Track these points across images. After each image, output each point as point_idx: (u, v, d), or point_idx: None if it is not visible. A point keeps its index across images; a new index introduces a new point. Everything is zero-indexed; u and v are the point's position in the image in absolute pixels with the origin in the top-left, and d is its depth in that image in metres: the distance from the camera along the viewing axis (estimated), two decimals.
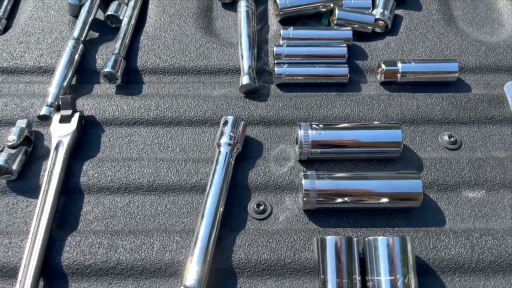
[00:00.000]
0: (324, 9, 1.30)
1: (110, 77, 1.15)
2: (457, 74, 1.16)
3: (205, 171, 1.01)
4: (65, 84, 1.12)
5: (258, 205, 0.98)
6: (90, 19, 1.24)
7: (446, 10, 1.35)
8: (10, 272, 0.89)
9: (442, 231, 0.94)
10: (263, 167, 1.03)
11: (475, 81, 1.20)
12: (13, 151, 0.99)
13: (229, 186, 0.97)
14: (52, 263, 0.89)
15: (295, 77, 1.16)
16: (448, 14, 1.34)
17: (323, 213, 0.97)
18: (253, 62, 1.16)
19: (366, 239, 0.86)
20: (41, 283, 0.88)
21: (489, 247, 0.91)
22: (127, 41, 1.21)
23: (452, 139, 1.08)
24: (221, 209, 0.93)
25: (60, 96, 1.08)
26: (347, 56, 1.18)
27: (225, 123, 1.03)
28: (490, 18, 1.35)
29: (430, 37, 1.27)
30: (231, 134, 1.01)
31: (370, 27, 1.26)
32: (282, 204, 0.99)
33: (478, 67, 1.22)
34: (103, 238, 0.92)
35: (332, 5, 1.28)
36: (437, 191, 1.01)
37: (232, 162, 1.00)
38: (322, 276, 0.82)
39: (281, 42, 1.22)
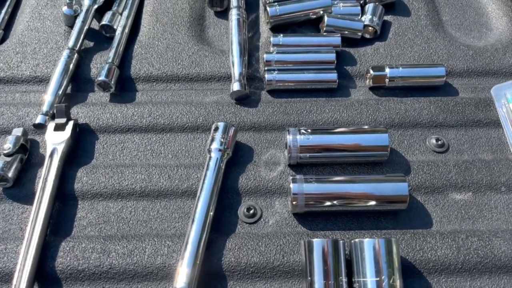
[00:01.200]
0: (314, 16, 1.32)
1: (104, 86, 1.17)
2: (444, 79, 1.18)
3: (196, 176, 1.04)
4: (60, 92, 1.15)
5: (248, 209, 0.99)
6: (84, 29, 1.27)
7: (435, 15, 1.37)
8: (5, 277, 0.91)
9: (428, 233, 0.96)
10: (253, 172, 1.05)
11: (462, 85, 1.22)
12: (8, 159, 1.02)
13: (219, 191, 0.99)
14: (46, 268, 0.91)
15: (285, 83, 1.18)
16: (436, 19, 1.36)
17: (312, 217, 0.99)
18: (244, 69, 1.19)
19: (352, 241, 0.87)
20: None
21: (475, 248, 0.93)
22: (121, 50, 1.24)
23: (439, 142, 1.10)
24: (212, 213, 0.95)
25: (55, 105, 1.10)
26: (336, 62, 1.21)
27: (216, 129, 1.05)
28: (479, 22, 1.37)
29: (419, 42, 1.29)
30: (222, 140, 1.03)
31: (359, 33, 1.29)
32: (272, 208, 1.00)
33: (465, 71, 1.24)
34: (96, 243, 0.94)
35: (321, 12, 1.31)
36: (425, 193, 1.02)
37: (223, 167, 1.02)
38: (309, 278, 0.84)
39: (271, 49, 1.24)
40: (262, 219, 0.99)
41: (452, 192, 1.02)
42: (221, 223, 0.98)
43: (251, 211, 0.99)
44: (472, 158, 1.07)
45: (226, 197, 1.01)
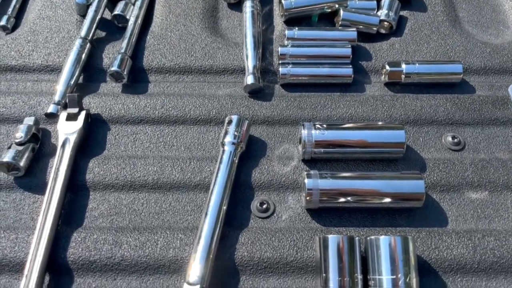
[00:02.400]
0: (329, 10, 1.30)
1: (116, 76, 1.16)
2: (461, 76, 1.17)
3: (209, 169, 1.02)
4: (72, 82, 1.14)
5: (261, 204, 0.98)
6: (97, 19, 1.25)
7: (451, 11, 1.35)
8: (17, 267, 0.90)
9: (444, 231, 0.95)
10: (266, 166, 1.04)
11: (479, 82, 1.20)
12: (20, 148, 1.01)
13: (232, 185, 0.98)
14: (58, 258, 0.91)
15: (300, 77, 1.17)
16: (453, 16, 1.34)
17: (326, 213, 0.98)
18: (258, 62, 1.17)
19: (368, 238, 0.86)
20: (47, 278, 0.89)
21: (491, 247, 0.92)
22: (133, 40, 1.23)
23: (455, 140, 1.08)
24: (225, 207, 0.94)
25: (67, 94, 1.09)
26: (351, 56, 1.19)
27: (229, 122, 1.03)
28: (495, 19, 1.35)
29: (435, 38, 1.27)
30: (235, 133, 1.02)
31: (374, 28, 1.27)
32: (285, 203, 0.99)
33: (482, 68, 1.23)
34: (108, 234, 0.93)
35: (337, 6, 1.29)
36: (440, 191, 1.01)
37: (236, 161, 1.01)
38: (324, 275, 0.83)
39: (286, 42, 1.22)
40: (275, 214, 0.98)
41: (468, 191, 1.01)
42: (234, 217, 0.97)
43: (264, 206, 0.98)
44: (488, 156, 1.06)
45: (239, 191, 1.00)
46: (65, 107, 1.09)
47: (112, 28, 1.30)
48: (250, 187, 1.01)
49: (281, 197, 1.00)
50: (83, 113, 1.07)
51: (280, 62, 1.18)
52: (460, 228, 0.96)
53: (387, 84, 1.19)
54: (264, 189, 1.01)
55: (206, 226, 0.91)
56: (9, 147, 1.01)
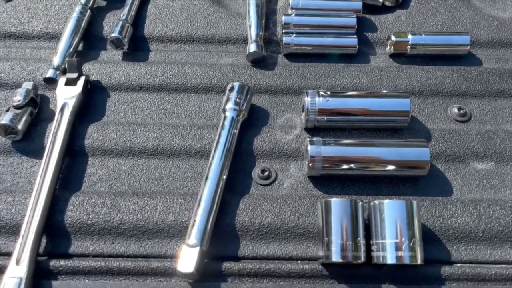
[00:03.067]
0: None
1: (117, 43, 1.14)
2: (468, 47, 1.14)
3: (210, 137, 1.01)
4: (71, 49, 1.12)
5: (263, 171, 0.97)
6: None
7: None
8: (13, 229, 0.89)
9: (449, 200, 0.93)
10: (268, 135, 1.02)
11: (486, 55, 1.18)
12: (18, 111, 0.99)
13: (234, 153, 0.96)
14: (55, 221, 0.89)
15: (303, 47, 1.14)
16: None
17: (328, 180, 0.96)
18: (261, 31, 1.15)
19: (371, 203, 0.85)
20: (44, 240, 0.88)
21: (496, 216, 0.90)
22: (134, 8, 1.21)
23: (461, 111, 1.06)
24: (225, 173, 0.92)
25: (67, 59, 1.07)
26: (356, 27, 1.17)
27: (231, 89, 1.01)
28: None
29: (442, 11, 1.25)
30: (237, 100, 1.00)
31: (380, 0, 1.24)
32: (287, 171, 0.98)
33: (490, 41, 1.20)
34: (107, 198, 0.92)
35: None
36: (445, 161, 0.99)
37: (238, 128, 0.99)
38: (326, 238, 0.81)
39: (290, 12, 1.20)
40: (277, 181, 0.96)
41: (474, 161, 0.99)
42: (235, 184, 0.95)
43: (266, 173, 0.96)
44: (495, 128, 1.04)
45: (241, 159, 0.98)
46: (64, 72, 1.07)
47: None
48: (251, 155, 0.99)
49: (283, 165, 0.98)
50: (82, 78, 1.05)
51: (284, 31, 1.16)
52: (465, 197, 0.94)
53: (392, 56, 1.17)
54: (266, 157, 0.99)
55: (206, 191, 0.89)
56: (7, 110, 0.99)
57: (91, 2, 1.20)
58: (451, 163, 0.99)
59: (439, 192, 0.95)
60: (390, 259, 0.79)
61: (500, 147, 1.00)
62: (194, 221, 0.85)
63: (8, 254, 0.85)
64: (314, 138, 0.95)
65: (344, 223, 0.81)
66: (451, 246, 0.88)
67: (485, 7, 1.29)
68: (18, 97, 1.00)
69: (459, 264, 0.86)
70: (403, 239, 0.80)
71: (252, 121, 1.04)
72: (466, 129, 1.03)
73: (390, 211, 0.82)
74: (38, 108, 1.05)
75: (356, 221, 0.82)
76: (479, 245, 0.88)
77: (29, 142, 1.00)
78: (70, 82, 1.04)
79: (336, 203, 0.83)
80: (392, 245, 0.80)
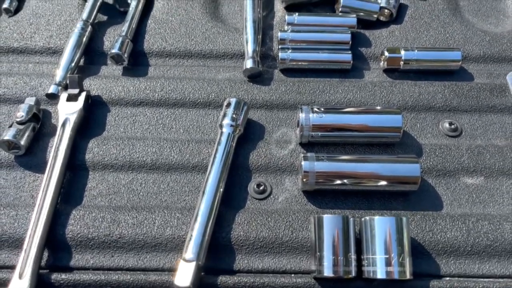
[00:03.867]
0: None
1: (117, 59, 1.17)
2: (460, 63, 1.17)
3: (207, 151, 1.03)
4: (73, 64, 1.15)
5: (258, 185, 0.99)
6: (99, 2, 1.26)
7: (452, 0, 1.35)
8: (16, 243, 0.92)
9: (439, 215, 0.95)
10: (264, 149, 1.05)
11: (478, 70, 1.21)
12: (21, 127, 1.02)
13: (230, 167, 0.99)
14: (56, 235, 0.92)
15: (299, 63, 1.17)
16: (453, 4, 1.34)
17: (322, 195, 0.99)
18: (257, 47, 1.18)
19: (363, 219, 0.87)
20: (46, 254, 0.91)
21: (485, 231, 0.93)
22: (134, 24, 1.24)
23: (452, 126, 1.09)
24: (222, 188, 0.95)
25: (68, 75, 1.10)
26: (351, 43, 1.19)
27: (228, 105, 1.04)
28: (496, 8, 1.35)
29: (435, 26, 1.28)
30: (234, 115, 1.02)
31: (375, 15, 1.27)
32: (281, 185, 1.00)
33: (481, 56, 1.23)
34: (106, 212, 0.94)
35: None
36: (436, 176, 1.02)
37: (234, 143, 1.01)
38: (318, 253, 0.84)
39: (286, 28, 1.23)
40: (271, 196, 0.99)
41: (464, 176, 1.02)
42: (231, 198, 0.98)
43: (261, 187, 0.99)
44: (485, 143, 1.07)
45: (237, 173, 1.01)
46: (65, 88, 1.10)
47: (113, 12, 1.31)
48: (247, 169, 1.02)
49: (278, 179, 1.01)
50: (83, 94, 1.08)
51: (280, 47, 1.19)
52: (455, 212, 0.97)
53: (385, 71, 1.19)
54: (261, 171, 1.02)
55: (203, 206, 0.92)
56: (10, 126, 1.02)
57: (92, 18, 1.23)
58: (441, 177, 1.02)
59: (430, 206, 0.98)
60: (380, 274, 0.82)
61: (490, 162, 1.03)
62: (191, 235, 0.88)
63: (11, 268, 0.88)
64: (308, 154, 0.97)
65: (336, 238, 0.84)
66: (440, 260, 0.91)
67: (477, 22, 1.32)
68: (21, 112, 1.03)
69: (447, 278, 0.89)
70: (392, 255, 0.82)
71: (249, 135, 1.07)
72: (457, 144, 1.06)
73: (380, 227, 0.84)
74: (40, 123, 1.07)
75: (348, 237, 0.85)
76: (467, 259, 0.91)
77: (31, 157, 1.03)
78: (72, 98, 1.07)
79: (328, 219, 0.85)
80: (382, 260, 0.82)
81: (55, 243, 0.92)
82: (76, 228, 0.93)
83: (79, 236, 0.92)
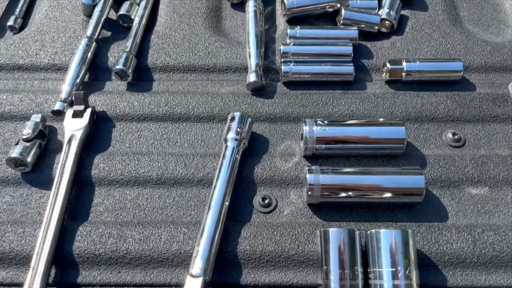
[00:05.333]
0: (331, 9, 1.32)
1: (121, 74, 1.18)
2: (461, 73, 1.18)
3: (212, 165, 1.04)
4: (78, 81, 1.16)
5: (264, 199, 1.00)
6: (102, 19, 1.28)
7: (452, 10, 1.36)
8: (23, 260, 0.92)
9: (444, 226, 0.96)
10: (268, 162, 1.05)
11: (480, 80, 1.21)
12: (27, 144, 1.03)
13: (235, 181, 1.00)
14: (63, 251, 0.92)
15: (302, 75, 1.18)
16: (454, 15, 1.35)
17: (327, 208, 0.99)
18: (260, 61, 1.19)
19: (368, 232, 0.88)
20: (53, 271, 0.91)
21: (491, 242, 0.93)
22: (138, 39, 1.25)
23: (456, 136, 1.09)
24: (227, 202, 0.96)
25: (73, 92, 1.11)
26: (352, 55, 1.20)
27: (232, 119, 1.05)
28: (496, 18, 1.36)
29: (436, 37, 1.29)
30: (238, 129, 1.03)
31: (376, 27, 1.28)
32: (287, 198, 1.01)
33: (483, 66, 1.24)
34: (113, 228, 0.95)
35: (338, 5, 1.31)
36: (440, 187, 1.02)
37: (239, 157, 1.02)
38: (325, 267, 0.84)
39: (288, 41, 1.24)
40: (277, 209, 0.99)
41: (469, 187, 1.02)
42: (236, 212, 0.98)
43: (266, 201, 1.00)
44: (489, 153, 1.07)
45: (242, 187, 1.02)
46: (71, 104, 1.11)
47: (117, 28, 1.33)
48: (252, 182, 1.03)
49: (283, 192, 1.02)
50: (88, 110, 1.09)
51: (282, 60, 1.20)
52: (460, 223, 0.97)
53: (388, 82, 1.20)
54: (266, 184, 1.03)
55: (209, 220, 0.92)
56: (17, 143, 1.03)
57: (96, 34, 1.24)
58: (446, 188, 1.02)
59: (435, 217, 0.98)
60: (387, 287, 0.82)
61: (494, 172, 1.03)
62: (198, 250, 0.89)
63: (19, 285, 0.89)
64: (313, 167, 0.98)
65: (342, 252, 0.84)
66: (447, 271, 0.91)
67: (478, 32, 1.33)
68: (27, 130, 1.04)
69: None
70: (399, 268, 0.82)
71: (253, 148, 1.08)
72: (461, 155, 1.06)
73: (386, 240, 0.85)
74: (46, 140, 1.08)
75: (354, 250, 0.85)
76: (474, 270, 0.91)
77: (38, 174, 1.04)
78: (77, 114, 1.08)
79: (334, 232, 0.86)
80: (388, 273, 0.83)
81: (63, 260, 0.92)
82: (83, 244, 0.93)
83: (86, 252, 0.92)
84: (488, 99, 1.15)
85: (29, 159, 1.02)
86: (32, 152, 1.03)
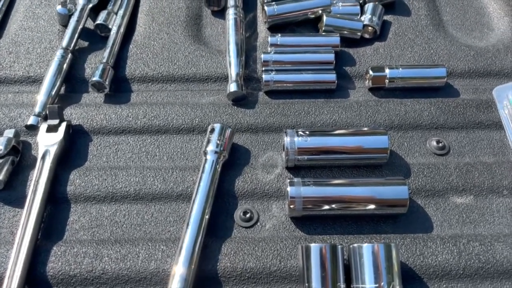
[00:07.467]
0: (313, 16, 1.30)
1: (98, 86, 1.15)
2: (445, 80, 1.16)
3: (191, 179, 1.01)
4: (53, 93, 1.12)
5: (245, 213, 0.97)
6: (79, 29, 1.25)
7: (435, 15, 1.35)
8: None
9: (429, 237, 0.94)
10: (250, 175, 1.03)
11: (463, 86, 1.20)
12: (0, 161, 0.99)
13: (215, 194, 0.97)
14: (37, 273, 0.89)
15: (283, 84, 1.16)
16: (437, 19, 1.34)
17: (310, 221, 0.96)
18: (240, 70, 1.16)
19: (351, 246, 0.85)
20: None
21: (476, 253, 0.91)
22: (115, 49, 1.22)
23: (440, 144, 1.07)
24: (207, 217, 0.93)
25: (48, 106, 1.08)
26: (335, 62, 1.18)
27: (212, 130, 1.03)
28: (480, 22, 1.35)
29: (419, 42, 1.27)
30: (218, 142, 1.01)
31: (358, 33, 1.26)
32: (269, 211, 0.98)
33: (466, 72, 1.22)
34: (89, 247, 0.92)
35: (320, 11, 1.29)
36: (425, 197, 1.00)
37: (219, 170, 0.99)
38: (307, 284, 0.82)
39: (269, 49, 1.22)
40: (258, 223, 0.97)
41: (453, 196, 1.00)
42: (216, 227, 0.96)
43: (248, 215, 0.97)
44: (473, 160, 1.05)
45: (222, 201, 0.99)
46: (45, 118, 1.07)
47: (94, 37, 1.29)
48: (233, 196, 1.00)
49: (265, 205, 0.99)
50: (63, 125, 1.05)
51: (263, 69, 1.18)
52: (445, 233, 0.95)
53: (371, 89, 1.18)
54: (247, 197, 1.00)
55: (188, 237, 0.89)
56: None
57: (72, 45, 1.21)
58: (431, 198, 1.00)
59: (420, 228, 0.96)
60: None
61: (479, 180, 1.01)
62: (176, 269, 0.86)
63: None
64: (294, 179, 0.96)
65: (324, 268, 0.82)
66: (432, 284, 0.89)
67: (462, 36, 1.32)
68: (0, 146, 1.00)
69: None
70: (382, 284, 0.80)
71: (234, 160, 1.05)
72: (445, 163, 1.05)
73: (368, 255, 0.82)
74: (20, 155, 1.05)
75: (336, 266, 0.83)
76: (460, 282, 0.89)
77: (10, 191, 1.00)
78: (52, 129, 1.04)
79: (316, 248, 0.83)
80: None
81: (36, 282, 0.89)
82: (57, 265, 0.90)
83: (60, 273, 0.89)
84: (472, 105, 1.13)
85: (1, 177, 0.98)
86: (5, 169, 0.99)
